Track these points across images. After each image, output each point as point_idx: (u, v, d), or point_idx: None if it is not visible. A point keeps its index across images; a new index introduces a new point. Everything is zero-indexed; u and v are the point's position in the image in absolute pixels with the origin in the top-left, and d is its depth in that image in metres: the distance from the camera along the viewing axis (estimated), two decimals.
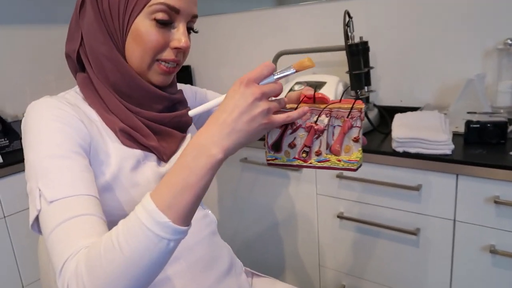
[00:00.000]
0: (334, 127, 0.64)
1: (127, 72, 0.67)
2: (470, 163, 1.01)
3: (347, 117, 0.62)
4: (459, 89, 1.25)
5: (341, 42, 1.49)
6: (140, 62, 0.66)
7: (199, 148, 0.51)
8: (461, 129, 1.19)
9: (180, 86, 0.87)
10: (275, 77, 0.56)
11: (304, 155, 0.66)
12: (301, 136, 0.65)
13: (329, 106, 0.63)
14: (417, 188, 1.10)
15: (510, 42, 1.19)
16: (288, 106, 0.66)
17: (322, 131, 0.64)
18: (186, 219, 0.50)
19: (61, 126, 0.60)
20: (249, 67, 1.87)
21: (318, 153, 0.65)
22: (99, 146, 0.64)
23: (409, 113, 1.29)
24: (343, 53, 1.51)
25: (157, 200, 0.49)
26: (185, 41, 0.66)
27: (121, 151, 0.66)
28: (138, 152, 0.67)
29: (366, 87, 1.41)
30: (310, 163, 0.66)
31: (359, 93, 1.34)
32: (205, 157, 0.51)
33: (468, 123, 1.11)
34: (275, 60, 1.66)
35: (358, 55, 1.34)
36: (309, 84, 1.46)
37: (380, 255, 1.25)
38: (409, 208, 1.15)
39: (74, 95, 0.70)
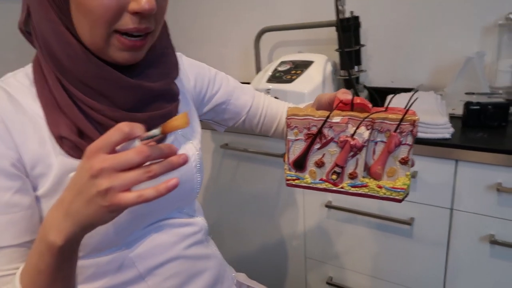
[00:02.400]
0: (376, 143, 0.51)
1: (76, 54, 0.52)
2: (471, 148, 0.93)
3: (395, 131, 0.49)
4: (456, 69, 1.16)
5: (327, 17, 1.38)
6: (91, 37, 0.51)
7: (42, 231, 0.45)
8: (458, 111, 1.11)
9: (180, 60, 0.71)
10: (136, 142, 0.43)
11: (334, 177, 0.52)
12: (331, 153, 0.52)
13: (372, 116, 0.49)
14: (413, 175, 1.02)
15: None
16: (317, 114, 0.51)
17: (360, 148, 0.50)
18: None
19: None
20: (232, 45, 1.75)
21: (353, 176, 0.52)
22: (36, 157, 0.52)
23: (402, 95, 1.20)
24: (331, 30, 1.40)
25: (23, 281, 0.47)
26: (147, 1, 0.50)
27: (64, 162, 0.53)
28: None
29: (356, 67, 1.31)
30: (342, 188, 0.53)
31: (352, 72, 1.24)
32: (44, 243, 0.45)
33: (468, 104, 1.03)
34: (258, 37, 1.54)
35: (349, 32, 1.24)
36: (296, 63, 1.36)
37: (370, 246, 1.18)
38: None
39: (22, 77, 0.56)
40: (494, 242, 0.96)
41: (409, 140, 0.49)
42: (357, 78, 1.34)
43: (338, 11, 1.20)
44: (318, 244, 1.29)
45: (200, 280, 0.69)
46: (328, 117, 0.50)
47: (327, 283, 1.30)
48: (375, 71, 1.45)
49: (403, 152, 0.50)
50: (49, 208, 0.53)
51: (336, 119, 0.50)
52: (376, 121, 0.50)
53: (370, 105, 0.51)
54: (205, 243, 0.72)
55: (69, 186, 0.44)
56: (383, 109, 0.51)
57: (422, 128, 1.00)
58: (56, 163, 0.53)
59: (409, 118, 0.48)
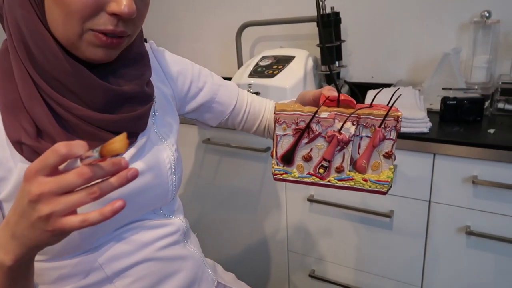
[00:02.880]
0: (362, 138, 0.52)
1: (48, 47, 0.49)
2: (448, 142, 0.96)
3: (379, 127, 0.51)
4: (433, 65, 1.19)
5: (308, 13, 1.39)
6: (64, 31, 0.49)
7: None
8: (436, 106, 1.14)
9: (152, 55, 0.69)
10: (78, 162, 0.40)
11: (321, 170, 0.54)
12: (319, 147, 0.53)
13: (358, 112, 0.51)
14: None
15: (487, 14, 1.14)
16: (306, 109, 0.52)
17: (347, 142, 0.51)
18: None
19: None
20: (214, 39, 1.73)
21: (340, 170, 0.53)
22: None
23: (383, 90, 1.22)
24: (312, 25, 1.41)
25: None
26: (128, 4, 0.47)
27: (24, 168, 0.50)
28: None
29: (337, 62, 1.32)
30: (329, 181, 0.54)
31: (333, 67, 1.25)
32: None
33: (445, 99, 1.06)
34: (239, 32, 1.54)
35: (330, 27, 1.25)
36: (277, 58, 1.36)
37: (351, 239, 1.20)
38: None
39: None
40: (469, 233, 0.99)
41: (393, 135, 0.51)
42: (338, 73, 1.36)
43: (319, 7, 1.20)
44: (300, 237, 1.30)
45: (173, 282, 0.66)
46: (316, 112, 0.51)
47: (310, 276, 1.32)
48: (355, 66, 1.47)
49: (387, 146, 0.52)
50: None
51: (324, 114, 0.52)
52: (361, 116, 0.51)
53: (355, 102, 0.53)
54: (182, 243, 0.70)
55: (13, 207, 0.42)
56: (368, 105, 0.52)
57: (401, 122, 1.02)
58: (15, 168, 0.51)
59: (393, 114, 0.50)
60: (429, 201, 1.04)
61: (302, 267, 1.35)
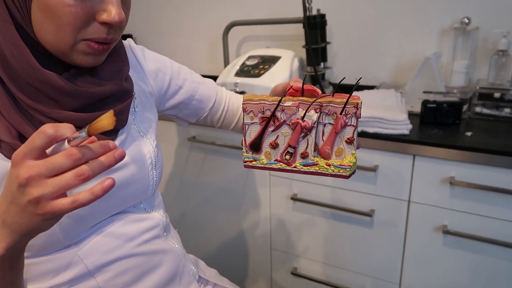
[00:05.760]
0: (325, 125, 0.55)
1: (22, 57, 0.49)
2: (428, 144, 0.99)
3: (340, 114, 0.53)
4: (415, 68, 1.22)
5: (295, 14, 1.41)
6: (56, 42, 0.49)
7: None
8: (417, 108, 1.17)
9: (133, 51, 0.69)
10: (66, 144, 0.40)
11: (287, 157, 0.56)
12: (284, 134, 0.56)
13: (320, 100, 0.53)
14: (374, 169, 1.07)
15: (467, 21, 1.17)
16: (271, 99, 0.55)
17: (310, 129, 0.54)
18: None
19: None
20: (200, 37, 1.73)
21: (305, 155, 0.56)
22: None
23: (365, 92, 1.25)
24: (298, 26, 1.43)
25: None
26: (117, 13, 0.49)
27: (3, 165, 0.51)
28: None
29: (322, 63, 1.34)
30: (294, 167, 0.56)
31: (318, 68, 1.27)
32: None
33: (425, 102, 1.09)
34: (226, 31, 1.54)
35: (316, 29, 1.27)
36: (263, 58, 1.37)
37: (333, 237, 1.22)
38: (365, 189, 1.12)
39: None
40: (446, 232, 1.02)
41: (353, 121, 0.54)
42: (323, 75, 1.38)
43: (305, 9, 1.22)
44: (283, 235, 1.32)
45: (154, 276, 0.67)
46: (280, 101, 0.54)
47: (292, 273, 1.33)
48: (340, 68, 1.49)
49: (348, 132, 0.54)
50: None
51: (288, 103, 0.55)
52: (323, 104, 0.54)
53: (319, 92, 0.56)
54: (162, 237, 0.70)
55: (1, 195, 0.42)
56: (330, 95, 0.55)
57: (382, 124, 1.04)
58: None
59: (353, 101, 0.53)
60: (409, 201, 1.07)
61: (284, 265, 1.36)
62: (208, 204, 1.46)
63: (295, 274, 1.33)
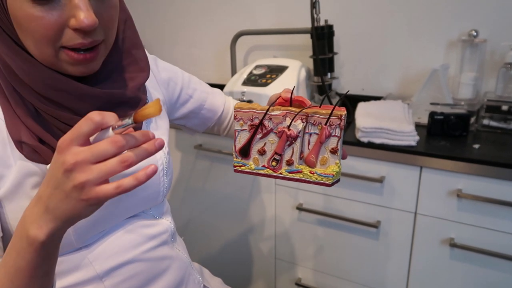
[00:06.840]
0: (311, 134, 0.57)
1: (30, 67, 0.50)
2: (435, 155, 0.99)
3: (325, 124, 0.55)
4: (422, 80, 1.22)
5: (302, 24, 1.42)
6: (40, 54, 0.49)
7: (21, 227, 0.44)
8: (424, 120, 1.17)
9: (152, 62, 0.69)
10: (110, 132, 0.42)
11: (274, 163, 0.59)
12: (271, 142, 0.58)
13: (305, 110, 0.56)
14: (380, 180, 1.06)
15: (475, 33, 1.18)
16: (260, 108, 0.58)
17: (295, 138, 0.57)
18: None
19: None
20: (208, 46, 1.75)
21: (290, 163, 0.58)
22: None
23: (372, 102, 1.25)
24: (305, 36, 1.44)
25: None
26: (86, 16, 0.46)
27: (23, 166, 0.52)
28: (46, 168, 0.53)
29: (329, 74, 1.35)
30: (280, 173, 0.59)
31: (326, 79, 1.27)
32: (25, 238, 0.44)
33: (432, 114, 1.09)
34: (234, 40, 1.56)
35: (323, 39, 1.27)
36: (271, 68, 1.38)
37: (338, 248, 1.22)
38: (371, 200, 1.11)
39: None
40: (453, 245, 1.01)
41: (338, 132, 0.55)
42: (330, 85, 1.38)
43: (313, 19, 1.23)
44: (288, 245, 1.32)
45: (161, 282, 0.67)
46: (268, 110, 0.57)
47: (296, 284, 1.32)
48: (347, 78, 1.49)
49: (332, 142, 0.56)
50: (10, 211, 0.52)
51: (276, 112, 0.57)
52: (309, 115, 0.56)
53: (308, 103, 0.58)
54: (170, 244, 0.71)
55: (45, 181, 0.43)
56: (317, 106, 0.57)
57: (389, 135, 1.04)
58: (15, 165, 0.52)
59: (337, 113, 0.55)
60: (415, 213, 1.06)
61: (288, 275, 1.35)
62: (213, 212, 1.46)
63: (299, 284, 1.32)
